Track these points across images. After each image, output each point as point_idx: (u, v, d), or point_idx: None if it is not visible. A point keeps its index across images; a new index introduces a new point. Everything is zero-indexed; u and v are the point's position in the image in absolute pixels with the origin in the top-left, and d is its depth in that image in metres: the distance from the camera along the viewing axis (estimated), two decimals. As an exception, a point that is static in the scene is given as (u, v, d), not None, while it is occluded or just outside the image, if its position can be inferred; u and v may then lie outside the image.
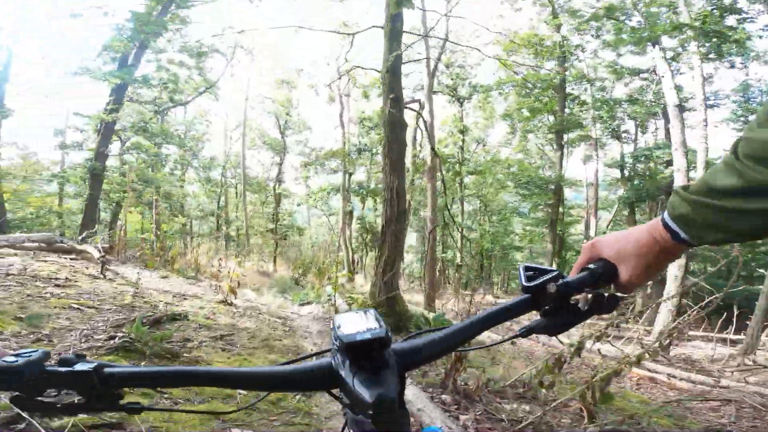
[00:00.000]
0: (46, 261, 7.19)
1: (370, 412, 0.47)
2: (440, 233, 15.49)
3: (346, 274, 11.69)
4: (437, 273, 16.17)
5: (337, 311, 5.95)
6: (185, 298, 5.98)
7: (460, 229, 13.89)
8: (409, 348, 0.56)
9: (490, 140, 24.51)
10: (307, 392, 1.10)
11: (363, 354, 0.49)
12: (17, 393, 0.50)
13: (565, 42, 16.93)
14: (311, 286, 9.84)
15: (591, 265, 0.64)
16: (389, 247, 5.41)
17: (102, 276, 6.61)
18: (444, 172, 10.34)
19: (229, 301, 6.09)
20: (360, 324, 0.52)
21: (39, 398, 0.51)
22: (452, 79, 18.70)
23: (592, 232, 14.51)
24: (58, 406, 0.52)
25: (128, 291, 5.71)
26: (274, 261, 14.57)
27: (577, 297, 0.61)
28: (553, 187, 14.31)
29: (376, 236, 17.25)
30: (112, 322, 3.96)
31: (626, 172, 14.96)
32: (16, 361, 0.50)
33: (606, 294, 0.62)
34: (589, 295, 0.61)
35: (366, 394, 0.47)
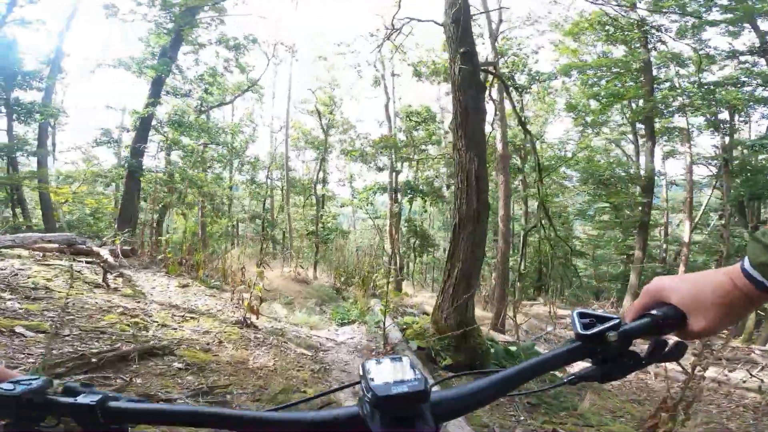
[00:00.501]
0: (49, 264, 6.12)
1: None
2: (491, 236, 13.53)
3: (395, 292, 10.07)
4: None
5: (386, 341, 4.35)
6: (192, 317, 4.61)
7: (526, 232, 11.87)
8: (446, 398, 0.52)
9: (548, 137, 22.18)
10: None
11: (397, 408, 0.45)
12: (10, 421, 0.49)
13: (644, 21, 14.55)
14: (354, 300, 8.32)
15: (654, 311, 0.57)
16: (464, 258, 3.73)
17: (104, 284, 5.41)
18: (536, 155, 8.30)
19: (248, 322, 4.65)
20: (394, 373, 0.47)
21: (36, 427, 0.50)
22: (508, 68, 16.69)
23: (685, 237, 12.00)
24: None
25: (123, 305, 4.41)
26: (314, 267, 13.22)
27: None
28: (638, 185, 12.00)
29: (426, 240, 15.58)
30: (52, 359, 2.58)
31: (731, 166, 12.34)
32: (14, 389, 0.49)
33: (670, 341, 0.56)
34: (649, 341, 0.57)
35: None
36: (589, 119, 16.14)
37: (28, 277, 5.02)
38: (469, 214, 3.76)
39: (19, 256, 6.39)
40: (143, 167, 11.55)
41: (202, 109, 18.50)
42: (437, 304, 4.03)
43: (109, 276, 5.73)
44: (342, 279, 10.68)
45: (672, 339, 0.57)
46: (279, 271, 11.92)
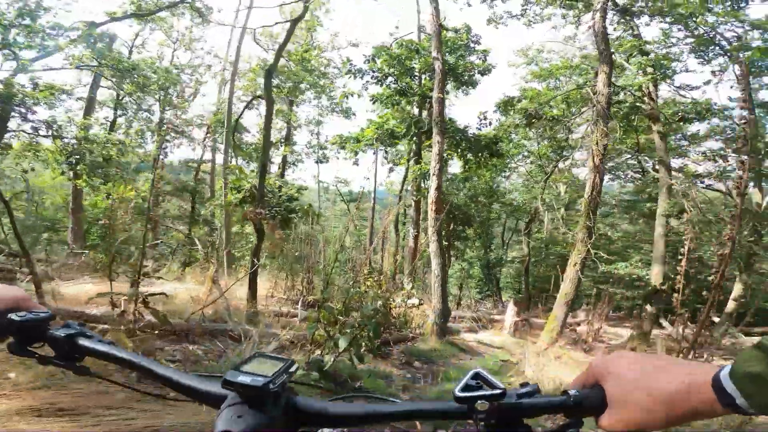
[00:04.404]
0: None
1: None
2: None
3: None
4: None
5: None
6: None
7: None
8: (311, 406, 0.53)
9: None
10: (197, 402, 0.61)
11: (240, 394, 0.50)
12: (12, 340, 0.63)
13: None
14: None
15: (572, 391, 0.50)
16: None
17: None
18: None
19: None
20: (258, 368, 0.52)
21: (28, 347, 0.63)
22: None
23: None
24: (36, 355, 0.63)
25: None
26: (252, 281, 5.33)
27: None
28: None
29: (468, 225, 8.24)
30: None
31: None
32: (24, 316, 0.63)
33: (579, 425, 0.49)
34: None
35: (218, 427, 0.48)
36: None
37: None
38: None
39: None
40: None
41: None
42: None
43: None
44: (333, 327, 3.21)
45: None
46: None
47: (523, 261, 16.03)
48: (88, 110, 14.19)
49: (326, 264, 6.47)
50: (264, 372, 0.50)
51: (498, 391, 0.48)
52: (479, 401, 0.48)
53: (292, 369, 0.54)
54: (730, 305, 11.03)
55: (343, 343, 2.80)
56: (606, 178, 19.93)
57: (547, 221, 18.59)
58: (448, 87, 9.44)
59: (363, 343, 2.98)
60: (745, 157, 10.91)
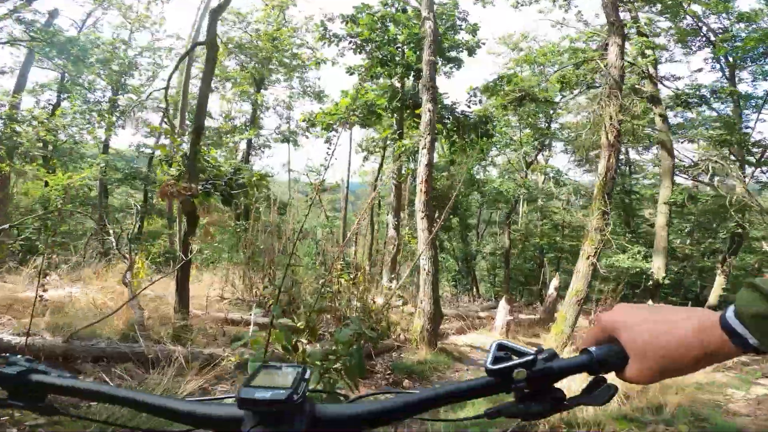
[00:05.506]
0: None
1: None
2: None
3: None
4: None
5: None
6: None
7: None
8: (334, 411, 0.48)
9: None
10: None
11: (262, 411, 0.44)
12: None
13: None
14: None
15: (593, 349, 0.49)
16: None
17: None
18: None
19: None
20: (271, 380, 0.46)
21: None
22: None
23: None
24: None
25: None
26: (182, 295, 4.07)
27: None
28: None
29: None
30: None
31: None
32: None
33: (604, 381, 0.48)
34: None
35: None
36: None
37: None
38: None
39: None
40: None
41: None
42: None
43: None
44: (293, 354, 2.13)
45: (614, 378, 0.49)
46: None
47: (502, 253, 15.33)
48: (18, 89, 12.27)
49: (285, 258, 5.29)
50: (280, 383, 0.45)
51: (530, 357, 0.47)
52: (516, 370, 0.46)
53: (307, 375, 0.48)
54: (713, 297, 10.72)
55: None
56: (582, 171, 19.41)
57: (522, 212, 18.02)
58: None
59: (338, 379, 1.91)
60: (735, 146, 10.63)
